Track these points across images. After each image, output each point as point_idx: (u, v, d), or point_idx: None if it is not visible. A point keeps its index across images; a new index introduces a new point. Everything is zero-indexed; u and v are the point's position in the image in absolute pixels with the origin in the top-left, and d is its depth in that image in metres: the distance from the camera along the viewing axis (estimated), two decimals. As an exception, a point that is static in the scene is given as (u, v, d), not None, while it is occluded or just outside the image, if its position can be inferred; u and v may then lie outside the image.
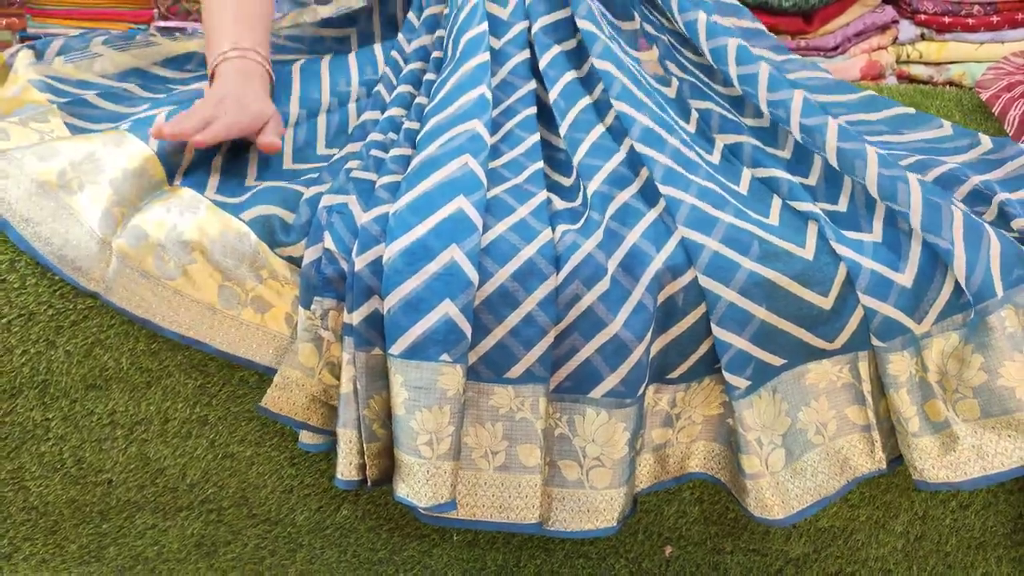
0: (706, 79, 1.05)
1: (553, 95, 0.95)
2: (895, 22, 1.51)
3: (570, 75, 0.97)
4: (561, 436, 0.85)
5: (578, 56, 1.00)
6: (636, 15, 1.05)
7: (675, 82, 1.02)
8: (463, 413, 0.82)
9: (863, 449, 0.89)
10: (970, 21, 1.48)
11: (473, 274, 0.79)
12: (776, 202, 0.91)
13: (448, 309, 0.78)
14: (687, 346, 0.86)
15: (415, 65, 1.02)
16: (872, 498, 0.98)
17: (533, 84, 0.97)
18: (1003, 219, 0.91)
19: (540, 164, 0.90)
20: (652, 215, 0.87)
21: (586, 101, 0.96)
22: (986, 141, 1.06)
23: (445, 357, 0.78)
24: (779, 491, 0.86)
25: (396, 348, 0.79)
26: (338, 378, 0.85)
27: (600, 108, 0.97)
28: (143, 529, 0.96)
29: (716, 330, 0.83)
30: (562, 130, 0.93)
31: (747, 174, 0.95)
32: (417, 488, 0.81)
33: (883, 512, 0.98)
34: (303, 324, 0.84)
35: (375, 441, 0.84)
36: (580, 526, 0.86)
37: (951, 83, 1.51)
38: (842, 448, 0.89)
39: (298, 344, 0.84)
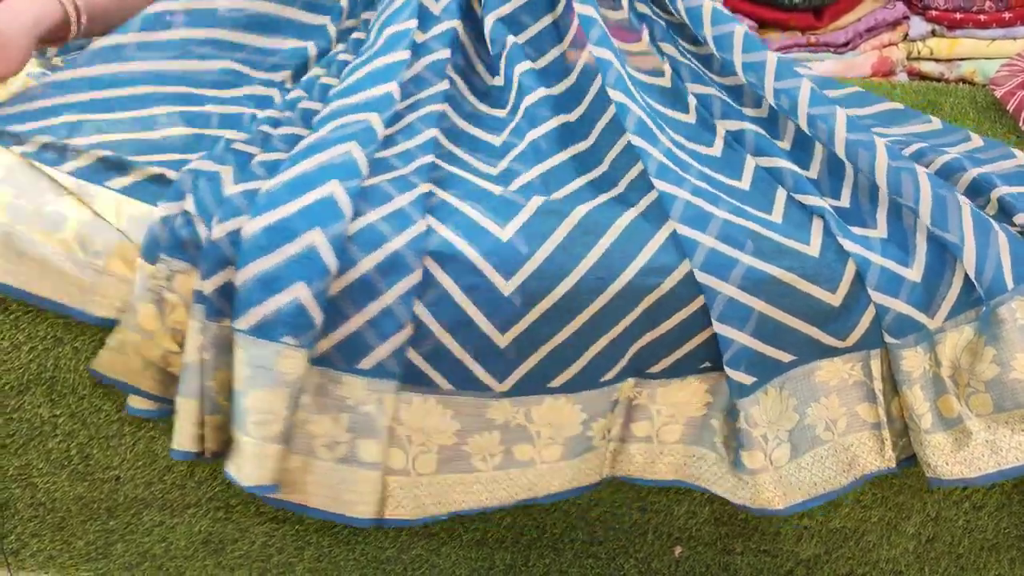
0: (702, 68, 1.03)
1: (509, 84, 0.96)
2: (906, 18, 1.50)
3: (526, 65, 0.97)
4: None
5: (536, 48, 0.99)
6: (624, 3, 1.03)
7: (668, 70, 1.00)
8: (298, 398, 0.80)
9: (872, 447, 0.89)
10: (982, 17, 1.47)
11: (332, 261, 0.76)
12: (780, 196, 0.89)
13: (300, 292, 0.76)
14: (672, 343, 0.85)
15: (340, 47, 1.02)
16: (884, 499, 0.97)
17: (446, 84, 0.95)
18: (1004, 213, 0.90)
19: (431, 158, 0.87)
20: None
21: (541, 93, 0.95)
22: (976, 139, 1.06)
23: (289, 339, 0.76)
24: (781, 484, 0.86)
25: (243, 323, 0.77)
26: (180, 344, 0.82)
27: (561, 101, 0.96)
28: (151, 526, 0.95)
29: (717, 326, 0.82)
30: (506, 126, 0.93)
31: (751, 163, 0.93)
32: (241, 465, 0.79)
33: (895, 513, 0.98)
34: (145, 282, 0.80)
35: (218, 413, 0.82)
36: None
37: (962, 80, 1.50)
38: (851, 445, 0.89)
39: (137, 304, 0.80)
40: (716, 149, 0.94)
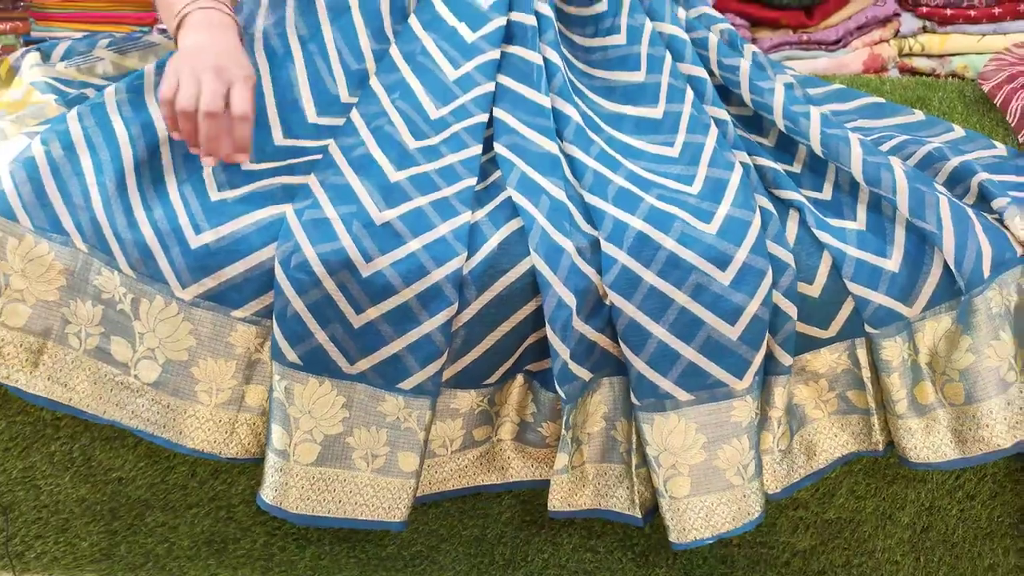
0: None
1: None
2: (897, 15, 1.50)
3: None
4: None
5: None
6: None
7: (644, 66, 1.01)
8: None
9: (860, 429, 0.92)
10: (972, 13, 1.48)
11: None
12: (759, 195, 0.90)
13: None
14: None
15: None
16: (878, 490, 0.98)
17: (491, 87, 0.93)
18: (983, 200, 0.92)
19: (473, 181, 0.87)
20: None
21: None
22: (958, 130, 1.08)
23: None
24: (771, 469, 0.90)
25: None
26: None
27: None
28: (153, 527, 0.97)
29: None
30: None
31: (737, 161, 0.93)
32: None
33: (889, 503, 0.99)
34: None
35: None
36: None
37: (953, 75, 1.51)
38: (839, 425, 0.92)
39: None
40: (675, 149, 0.94)
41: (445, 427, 0.88)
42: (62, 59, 1.06)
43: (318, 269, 0.80)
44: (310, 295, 0.80)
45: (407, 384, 0.83)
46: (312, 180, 0.86)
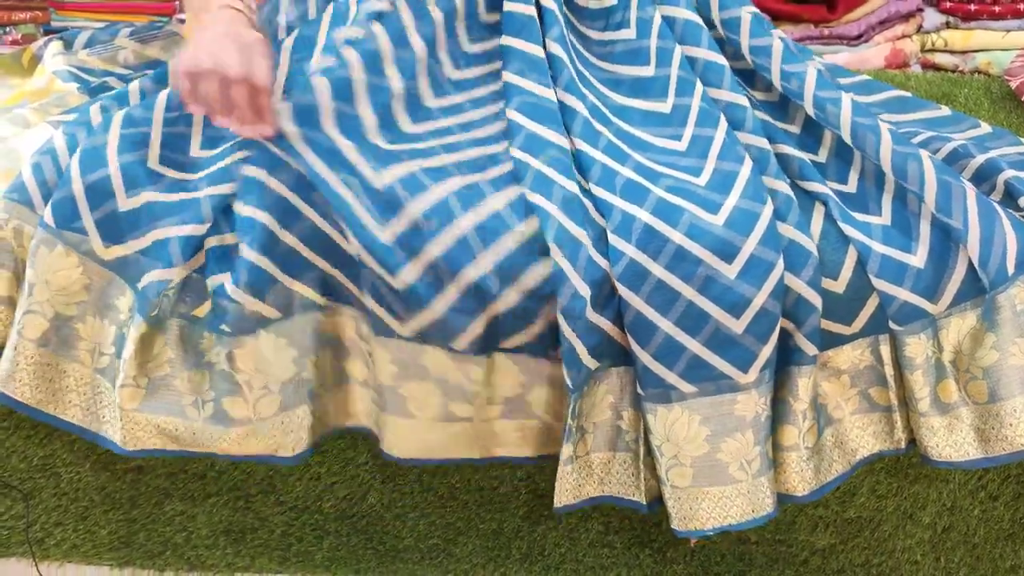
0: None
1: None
2: (920, 10, 1.49)
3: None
4: None
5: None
6: None
7: (654, 59, 1.00)
8: None
9: (883, 428, 0.90)
10: (996, 9, 1.46)
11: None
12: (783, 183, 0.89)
13: None
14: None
15: None
16: (899, 489, 0.97)
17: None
18: (1009, 197, 0.91)
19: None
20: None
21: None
22: (985, 126, 1.07)
23: None
24: (797, 469, 0.87)
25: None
26: None
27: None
28: (172, 516, 0.97)
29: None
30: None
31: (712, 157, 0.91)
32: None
33: (911, 503, 0.98)
34: None
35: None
36: None
37: (977, 71, 1.49)
38: (861, 424, 0.90)
39: None
40: (683, 143, 0.92)
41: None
42: (84, 48, 1.07)
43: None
44: None
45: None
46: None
